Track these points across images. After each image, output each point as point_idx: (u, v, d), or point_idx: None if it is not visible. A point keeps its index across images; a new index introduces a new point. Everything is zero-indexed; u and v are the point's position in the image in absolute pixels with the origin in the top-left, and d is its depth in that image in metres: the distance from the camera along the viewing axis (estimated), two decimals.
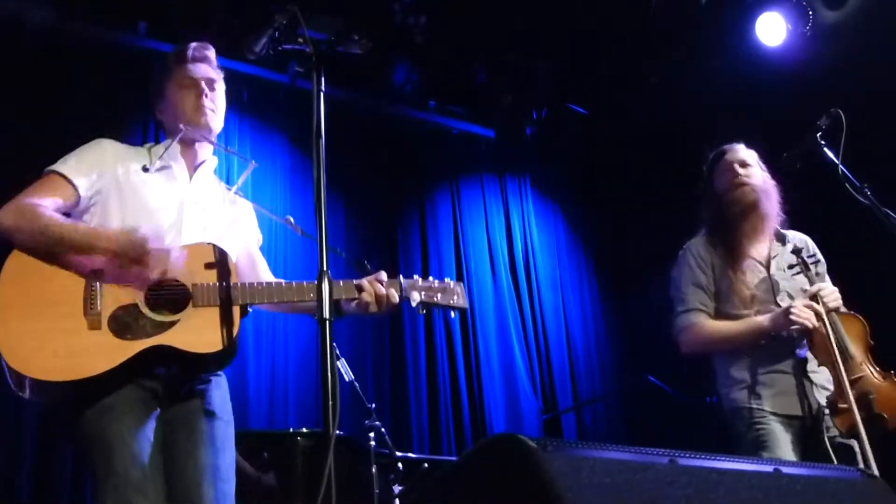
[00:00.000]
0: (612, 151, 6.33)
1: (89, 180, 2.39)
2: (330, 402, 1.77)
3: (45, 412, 4.03)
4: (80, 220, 2.38)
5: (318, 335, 1.87)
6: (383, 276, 2.43)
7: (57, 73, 4.57)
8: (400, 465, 3.85)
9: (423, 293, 2.48)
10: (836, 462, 2.89)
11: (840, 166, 3.05)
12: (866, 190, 3.03)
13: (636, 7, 5.26)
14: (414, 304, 2.46)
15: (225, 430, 2.34)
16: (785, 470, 1.86)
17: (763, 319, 3.08)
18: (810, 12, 5.09)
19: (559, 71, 5.99)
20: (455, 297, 2.54)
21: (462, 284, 2.58)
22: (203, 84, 2.57)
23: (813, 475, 1.95)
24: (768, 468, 1.85)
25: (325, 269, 1.93)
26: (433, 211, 5.92)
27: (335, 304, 2.35)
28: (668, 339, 3.35)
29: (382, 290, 2.38)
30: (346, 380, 3.82)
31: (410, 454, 4.23)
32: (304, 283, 2.36)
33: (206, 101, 2.56)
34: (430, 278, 2.54)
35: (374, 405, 3.89)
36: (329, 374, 1.80)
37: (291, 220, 2.67)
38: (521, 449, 1.54)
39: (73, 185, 2.37)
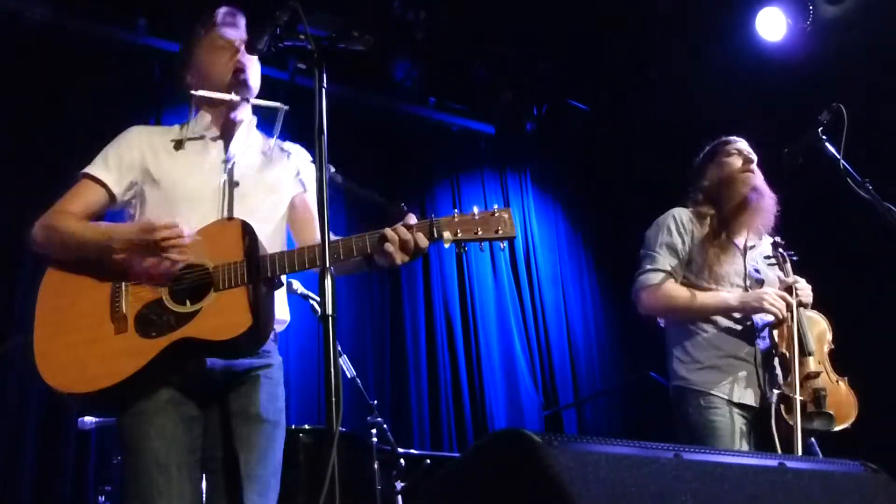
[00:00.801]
0: (613, 147, 6.33)
1: (119, 175, 2.34)
2: (333, 399, 1.75)
3: (48, 412, 4.04)
4: (125, 216, 2.36)
5: (320, 332, 1.85)
6: (411, 219, 2.17)
7: (56, 71, 4.56)
8: (402, 461, 3.86)
9: (459, 230, 2.18)
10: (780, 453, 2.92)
11: (841, 161, 3.05)
12: (867, 185, 3.03)
13: (636, 4, 5.25)
14: (447, 245, 2.17)
15: (270, 434, 2.22)
16: (789, 464, 1.86)
17: (731, 297, 3.11)
18: (811, 7, 5.09)
19: (559, 67, 5.99)
20: (500, 227, 2.19)
21: (509, 209, 2.22)
22: (238, 43, 2.42)
23: (817, 469, 1.95)
24: (773, 463, 1.85)
25: (327, 265, 1.89)
26: (434, 207, 5.91)
27: (369, 258, 2.20)
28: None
29: (407, 236, 2.11)
30: (349, 376, 3.82)
31: (412, 450, 4.24)
32: (338, 240, 2.16)
33: (242, 58, 2.41)
34: (475, 208, 2.22)
35: (375, 401, 3.90)
36: (332, 371, 1.77)
37: (332, 169, 2.57)
38: (527, 444, 1.54)
39: (104, 185, 2.33)
